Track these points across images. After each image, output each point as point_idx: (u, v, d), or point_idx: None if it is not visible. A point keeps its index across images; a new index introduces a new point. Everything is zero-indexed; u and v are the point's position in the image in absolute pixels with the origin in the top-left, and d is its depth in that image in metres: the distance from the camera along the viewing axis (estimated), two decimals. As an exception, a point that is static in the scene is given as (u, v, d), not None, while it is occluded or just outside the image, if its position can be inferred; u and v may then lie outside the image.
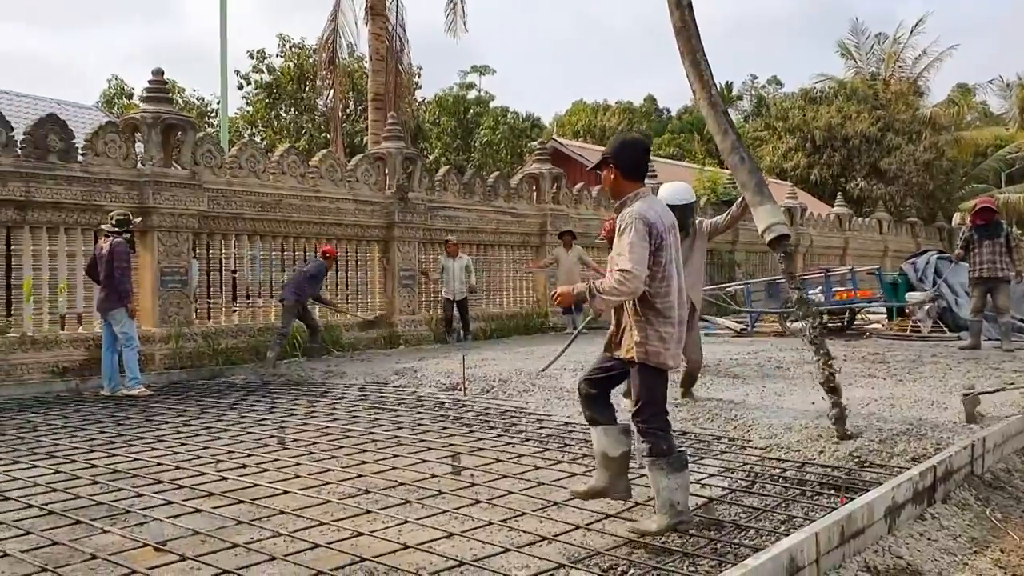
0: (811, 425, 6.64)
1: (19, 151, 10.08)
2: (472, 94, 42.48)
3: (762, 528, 4.33)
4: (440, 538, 4.20)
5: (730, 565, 3.64)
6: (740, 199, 7.14)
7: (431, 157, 35.15)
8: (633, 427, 4.37)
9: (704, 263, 7.89)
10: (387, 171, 14.38)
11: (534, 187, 17.43)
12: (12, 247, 10.16)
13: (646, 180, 4.42)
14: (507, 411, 7.82)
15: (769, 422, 6.91)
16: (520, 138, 39.09)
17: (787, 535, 3.98)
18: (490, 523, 4.42)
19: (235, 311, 12.40)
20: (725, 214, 7.62)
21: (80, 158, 10.62)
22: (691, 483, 5.19)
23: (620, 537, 4.21)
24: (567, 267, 15.74)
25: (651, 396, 4.27)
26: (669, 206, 7.36)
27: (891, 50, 41.90)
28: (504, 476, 5.40)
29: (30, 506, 4.80)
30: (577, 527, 4.37)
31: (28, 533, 4.28)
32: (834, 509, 4.35)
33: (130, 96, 38.09)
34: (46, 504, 4.82)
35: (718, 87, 6.89)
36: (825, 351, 6.23)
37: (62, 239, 10.62)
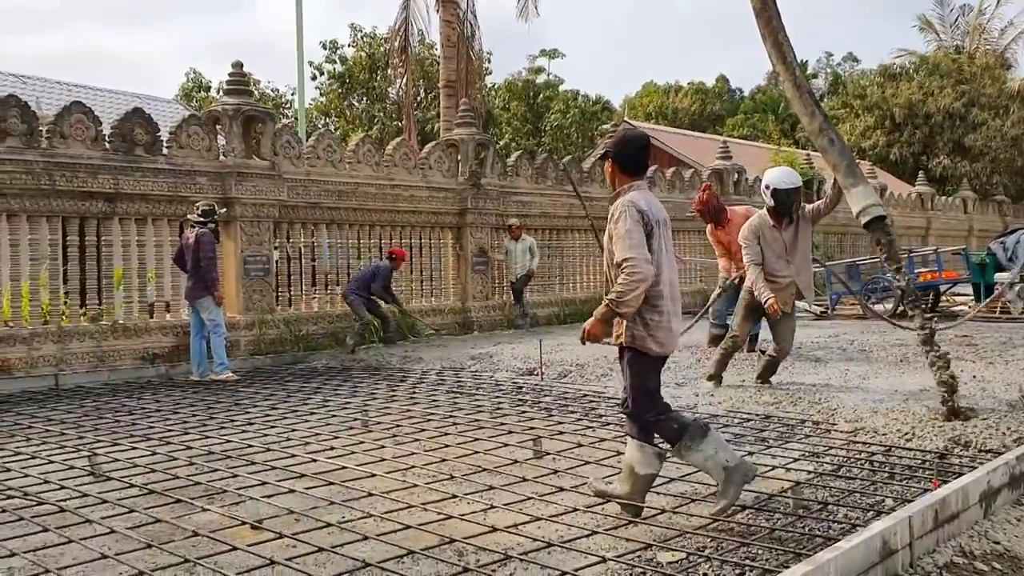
0: (898, 408, 6.50)
1: (107, 145, 10.44)
2: (541, 78, 42.40)
3: (851, 512, 4.27)
4: (526, 521, 4.25)
5: (820, 548, 3.60)
6: (832, 182, 6.99)
7: (501, 142, 35.19)
8: (667, 453, 4.36)
9: (809, 249, 7.68)
10: (459, 158, 14.48)
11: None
12: (102, 238, 10.53)
13: (645, 174, 4.46)
14: (585, 395, 7.83)
15: (854, 405, 6.79)
16: (590, 121, 38.90)
17: (878, 519, 3.93)
18: (575, 508, 4.45)
19: (315, 298, 12.66)
20: (824, 198, 7.46)
21: (165, 151, 10.94)
22: (777, 467, 5.17)
23: (707, 518, 4.20)
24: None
25: (641, 382, 4.24)
26: (775, 190, 7.32)
27: (976, 22, 40.41)
28: (587, 461, 5.42)
29: (131, 485, 5.01)
30: (663, 510, 4.38)
31: (132, 511, 4.47)
32: (927, 493, 4.27)
33: (207, 89, 39.07)
34: (146, 484, 5.02)
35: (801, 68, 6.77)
36: (931, 333, 6.12)
37: (150, 230, 10.97)
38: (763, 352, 8.27)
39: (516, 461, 5.47)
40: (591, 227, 16.65)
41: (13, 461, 5.69)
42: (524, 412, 7.21)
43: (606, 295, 4.17)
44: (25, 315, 10.07)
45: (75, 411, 7.69)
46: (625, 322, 4.17)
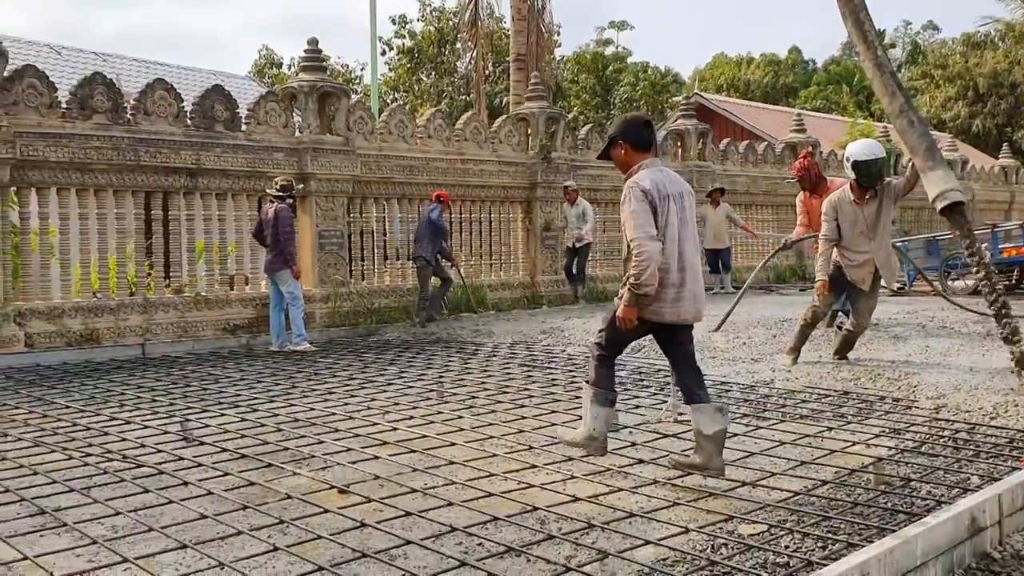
0: (982, 386, 6.37)
1: (189, 121, 10.72)
2: (610, 50, 41.98)
3: (935, 489, 4.23)
4: (607, 492, 4.30)
5: (905, 523, 3.58)
6: (909, 164, 6.83)
7: (570, 115, 35.02)
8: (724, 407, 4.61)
9: (889, 225, 7.52)
10: (529, 131, 14.48)
11: (679, 143, 17.15)
12: (184, 212, 10.84)
13: (654, 150, 4.66)
14: (660, 370, 7.83)
15: (935, 382, 6.67)
16: (660, 94, 38.44)
17: (964, 496, 3.89)
18: (655, 480, 4.49)
19: (386, 272, 12.84)
20: (902, 178, 7.30)
21: (243, 127, 11.19)
22: (856, 443, 5.13)
23: (788, 491, 4.21)
24: (714, 225, 15.50)
25: (611, 327, 4.50)
26: (855, 162, 7.18)
27: (1066, -14, 38.61)
28: (664, 435, 5.44)
29: (224, 450, 5.21)
30: (743, 483, 4.39)
31: (226, 474, 4.66)
32: (1015, 471, 4.20)
33: (279, 65, 39.65)
34: (237, 448, 5.22)
35: (884, 47, 6.61)
36: (1002, 308, 5.97)
37: (229, 204, 11.26)
38: (840, 327, 8.16)
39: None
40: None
41: (110, 426, 5.95)
42: (598, 385, 7.23)
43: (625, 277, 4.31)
44: (112, 287, 10.45)
45: (163, 379, 7.98)
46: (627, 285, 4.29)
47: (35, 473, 4.72)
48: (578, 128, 16.71)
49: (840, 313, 8.91)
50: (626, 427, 5.66)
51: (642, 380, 7.40)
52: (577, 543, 3.59)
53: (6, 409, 6.59)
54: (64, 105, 9.75)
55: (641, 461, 4.87)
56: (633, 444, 5.25)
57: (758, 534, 3.67)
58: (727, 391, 6.83)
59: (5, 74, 9.29)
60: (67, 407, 6.63)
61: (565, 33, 41.86)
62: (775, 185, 18.61)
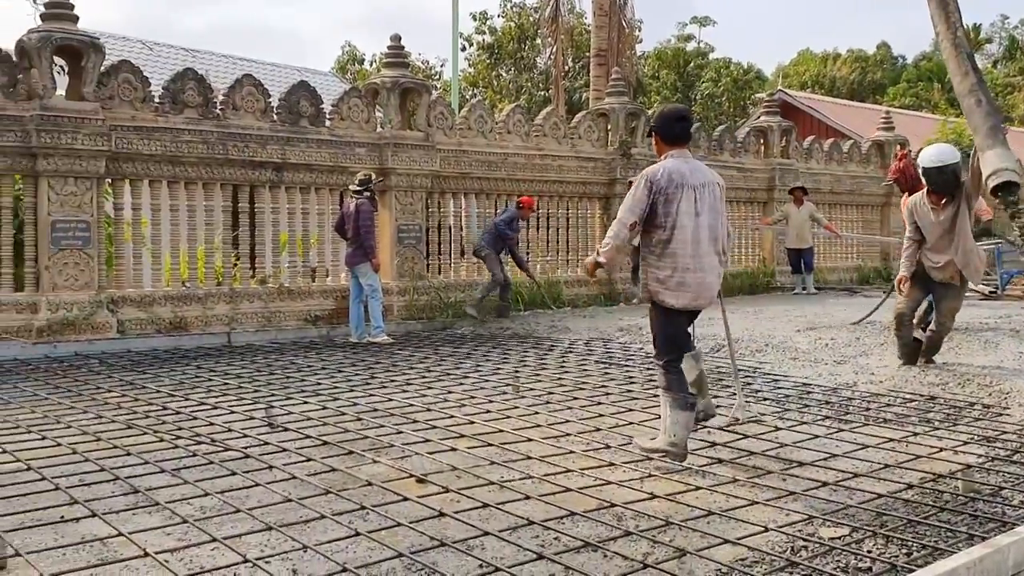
0: (1081, 395, 6.11)
1: (275, 116, 10.97)
2: (691, 46, 41.47)
3: (1029, 499, 4.08)
4: (685, 490, 4.27)
5: (996, 532, 3.47)
6: (973, 154, 6.58)
7: (650, 111, 34.74)
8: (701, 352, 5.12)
9: (969, 229, 7.28)
10: (609, 127, 14.42)
11: (761, 141, 16.85)
12: (270, 205, 11.10)
13: (686, 142, 4.89)
14: (740, 370, 7.71)
15: (1030, 390, 6.43)
16: (743, 90, 37.82)
17: (1061, 508, 3.75)
18: (735, 479, 4.44)
19: (463, 267, 12.94)
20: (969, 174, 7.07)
21: (327, 122, 11.41)
22: (944, 449, 4.98)
23: (871, 493, 4.11)
24: (797, 224, 15.22)
25: (660, 331, 4.84)
26: (924, 168, 7.02)
27: None
28: (745, 436, 5.37)
29: (306, 436, 5.33)
30: (824, 483, 4.31)
31: (309, 460, 4.77)
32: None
33: (361, 62, 40.25)
34: (319, 435, 5.33)
35: (964, 29, 6.36)
36: None
37: (312, 198, 11.49)
38: (924, 328, 7.93)
39: (670, 431, 5.48)
40: (749, 199, 16.37)
41: (199, 410, 6.15)
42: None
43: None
44: (201, 277, 10.77)
45: (248, 367, 8.20)
46: (644, 278, 4.75)
47: (128, 454, 4.91)
48: (658, 124, 16.53)
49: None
50: (705, 427, 5.59)
51: (720, 380, 7.31)
52: (655, 540, 3.57)
53: (100, 392, 6.86)
54: (157, 100, 10.09)
55: (720, 461, 4.82)
56: (712, 444, 5.19)
57: (839, 537, 3.60)
58: (808, 393, 6.71)
59: (102, 69, 9.65)
60: (157, 391, 6.88)
61: (646, 29, 41.70)
62: (860, 184, 18.16)
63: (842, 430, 5.50)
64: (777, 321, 10.98)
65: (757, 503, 4.05)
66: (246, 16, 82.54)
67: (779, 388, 6.96)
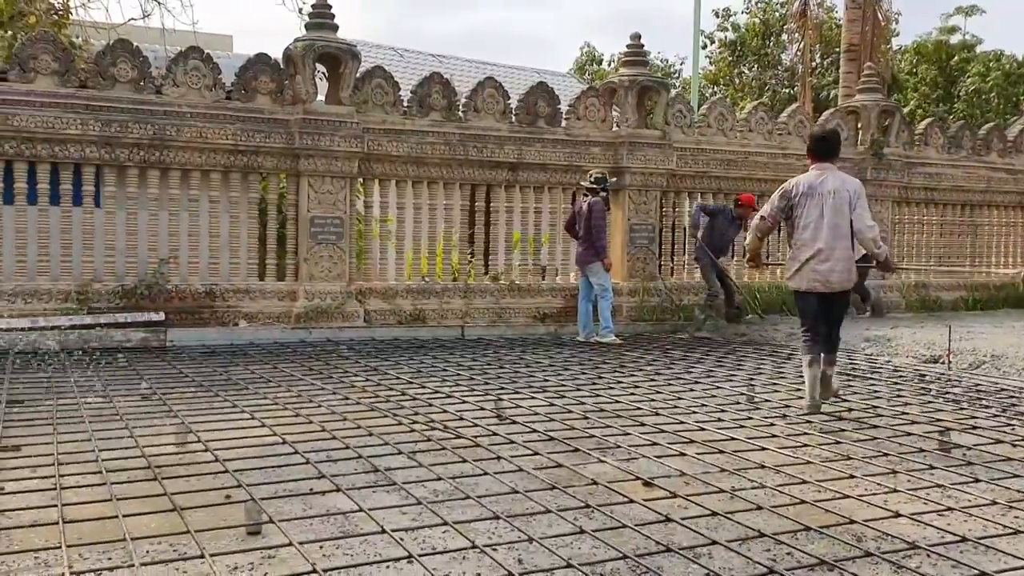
0: None
1: (513, 118, 11.24)
2: (955, 38, 38.22)
3: None
4: (934, 511, 3.90)
5: None
6: None
7: (906, 109, 32.41)
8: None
9: None
10: (859, 125, 13.57)
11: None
12: (504, 204, 11.38)
13: (825, 159, 6.17)
14: (1004, 390, 7.00)
15: None
16: (1015, 85, 34.33)
17: None
18: (993, 502, 4.00)
19: (697, 269, 12.62)
20: None
21: (563, 122, 11.54)
22: None
23: None
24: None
25: (798, 310, 6.43)
26: None
27: None
28: (1008, 458, 4.83)
29: (533, 431, 5.39)
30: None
31: (536, 454, 4.81)
32: None
33: (599, 62, 40.51)
34: (546, 431, 5.37)
35: None
36: None
37: (546, 197, 11.66)
38: None
39: (921, 450, 5.04)
40: (1020, 203, 14.84)
41: (433, 398, 6.40)
42: (929, 403, 6.61)
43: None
44: (439, 272, 11.23)
45: (479, 359, 8.45)
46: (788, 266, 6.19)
47: (370, 434, 5.18)
48: (915, 122, 15.40)
49: None
50: (960, 446, 5.10)
51: (980, 399, 6.65)
52: (899, 565, 3.27)
53: (347, 376, 7.31)
54: (405, 103, 10.63)
55: (976, 480, 4.36)
56: (968, 463, 4.71)
57: None
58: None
59: (357, 75, 10.30)
60: (397, 378, 7.23)
61: (904, 21, 38.81)
62: None
63: None
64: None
65: (1021, 532, 3.62)
66: (490, 21, 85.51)
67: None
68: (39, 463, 4.45)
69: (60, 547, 3.28)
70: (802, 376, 6.35)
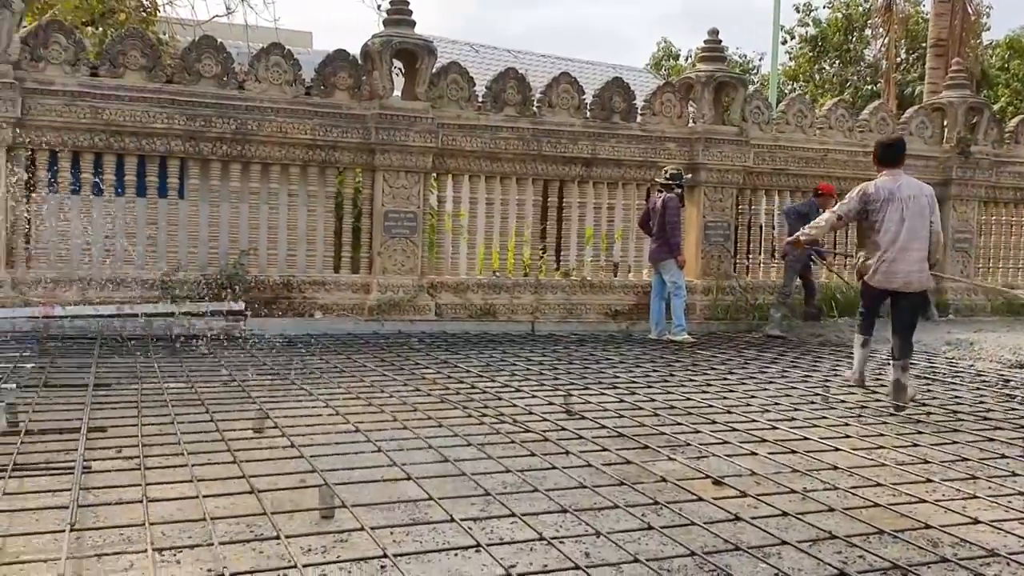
0: None
1: (587, 113, 11.21)
2: (1055, 31, 36.63)
3: None
4: (1015, 519, 3.79)
5: None
6: None
7: (996, 106, 31.23)
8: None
9: None
10: (945, 123, 13.16)
11: None
12: (576, 200, 11.36)
13: (892, 166, 6.51)
14: (1094, 396, 6.73)
15: None
16: None
17: None
18: (1082, 515, 3.86)
19: (773, 267, 12.43)
20: None
21: (638, 118, 11.46)
22: None
23: None
24: None
25: (863, 299, 6.75)
26: None
27: None
28: (1097, 468, 4.66)
29: (602, 427, 5.39)
30: None
31: (604, 450, 4.81)
32: None
33: (676, 57, 40.04)
34: (615, 427, 5.37)
35: None
36: None
37: (619, 193, 11.59)
38: None
39: (1004, 456, 4.90)
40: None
41: (503, 392, 6.45)
42: (1013, 409, 6.40)
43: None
44: (510, 267, 11.28)
45: (549, 355, 8.47)
46: (859, 263, 6.57)
47: (440, 425, 5.25)
48: (1005, 120, 14.86)
49: None
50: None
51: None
52: (976, 573, 3.19)
53: (419, 368, 7.41)
54: (480, 99, 10.70)
55: (1064, 491, 4.21)
56: (1056, 474, 4.56)
57: None
58: None
59: (433, 71, 10.40)
60: (467, 371, 7.30)
61: (996, 15, 37.36)
62: None
63: None
64: None
65: (1113, 549, 3.49)
66: (567, 16, 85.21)
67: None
68: (124, 444, 4.63)
69: (143, 524, 3.41)
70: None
